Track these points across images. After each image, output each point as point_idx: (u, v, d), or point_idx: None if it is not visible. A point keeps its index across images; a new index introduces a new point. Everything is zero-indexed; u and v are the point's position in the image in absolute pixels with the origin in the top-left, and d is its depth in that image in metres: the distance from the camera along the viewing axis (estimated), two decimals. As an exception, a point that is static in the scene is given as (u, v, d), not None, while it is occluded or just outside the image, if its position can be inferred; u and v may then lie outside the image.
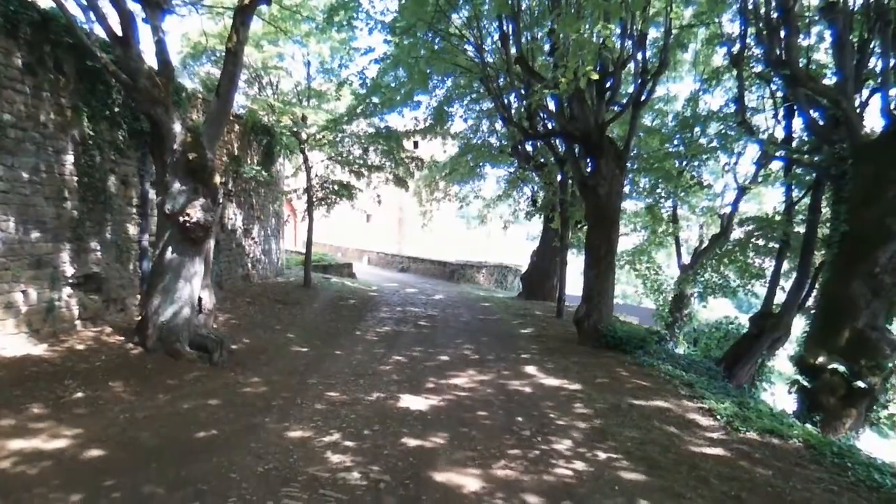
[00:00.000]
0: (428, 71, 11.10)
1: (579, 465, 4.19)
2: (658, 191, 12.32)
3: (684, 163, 12.34)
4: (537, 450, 4.48)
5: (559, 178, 13.15)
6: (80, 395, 5.03)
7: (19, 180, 5.89)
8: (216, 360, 6.44)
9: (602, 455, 4.40)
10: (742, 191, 12.79)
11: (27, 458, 3.82)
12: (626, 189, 14.44)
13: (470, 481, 3.83)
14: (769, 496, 3.77)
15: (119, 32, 5.99)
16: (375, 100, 11.95)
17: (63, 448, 4.03)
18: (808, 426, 5.57)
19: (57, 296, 6.49)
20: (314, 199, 13.32)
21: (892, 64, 6.16)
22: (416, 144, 16.23)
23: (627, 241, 15.68)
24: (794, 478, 4.11)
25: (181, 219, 6.27)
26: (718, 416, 5.47)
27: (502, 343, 9.32)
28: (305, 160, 13.06)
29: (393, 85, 11.89)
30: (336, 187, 13.24)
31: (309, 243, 13.67)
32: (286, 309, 10.89)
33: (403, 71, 11.34)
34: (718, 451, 4.61)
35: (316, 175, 13.43)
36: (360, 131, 13.32)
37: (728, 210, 13.39)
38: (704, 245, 14.08)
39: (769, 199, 16.44)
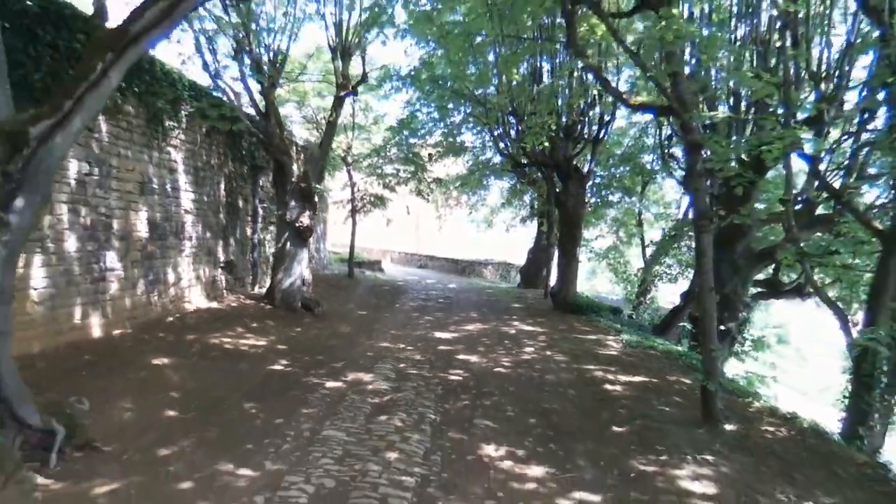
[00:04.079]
0: (446, 106, 15.04)
1: (535, 356, 7.91)
2: (613, 199, 16.07)
3: (643, 180, 16.00)
4: (513, 352, 8.20)
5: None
6: (255, 325, 8.83)
7: (202, 202, 9.71)
8: (317, 314, 10.23)
9: (548, 353, 8.12)
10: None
11: (252, 347, 7.59)
12: (608, 197, 18.23)
13: (475, 358, 7.58)
14: (625, 364, 7.46)
15: (263, 110, 9.82)
16: (405, 132, 15.78)
17: (264, 345, 7.80)
18: (673, 345, 9.20)
19: (216, 273, 10.31)
20: (355, 208, 17.11)
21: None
22: (430, 156, 19.94)
23: (605, 241, 19.33)
24: (645, 361, 7.78)
25: (296, 224, 10.06)
26: (624, 342, 9.13)
27: (499, 312, 13.01)
28: (350, 177, 16.87)
29: (419, 116, 15.79)
30: (373, 198, 17.05)
31: (352, 243, 17.47)
32: (341, 291, 14.66)
33: (428, 106, 15.31)
34: (613, 353, 8.30)
35: (357, 189, 17.22)
36: (393, 155, 17.12)
37: (682, 215, 16.96)
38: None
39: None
